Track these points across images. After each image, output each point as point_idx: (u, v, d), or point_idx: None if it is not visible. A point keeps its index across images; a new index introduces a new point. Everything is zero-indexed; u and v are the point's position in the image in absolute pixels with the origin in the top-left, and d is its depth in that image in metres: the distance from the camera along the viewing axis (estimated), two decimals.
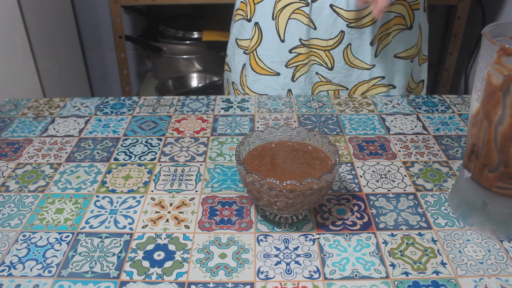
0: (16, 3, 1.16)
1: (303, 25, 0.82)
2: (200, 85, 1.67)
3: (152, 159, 0.68)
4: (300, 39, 0.83)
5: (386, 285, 0.48)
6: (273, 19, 0.83)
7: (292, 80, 0.88)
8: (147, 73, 1.82)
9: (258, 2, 0.85)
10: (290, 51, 0.85)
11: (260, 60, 0.87)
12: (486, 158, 0.50)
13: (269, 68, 0.87)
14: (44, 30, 1.35)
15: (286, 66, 0.87)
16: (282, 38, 0.84)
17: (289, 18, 0.82)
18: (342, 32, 0.82)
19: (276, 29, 0.84)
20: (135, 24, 1.82)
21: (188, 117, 0.80)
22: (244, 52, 0.90)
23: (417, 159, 0.68)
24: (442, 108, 0.82)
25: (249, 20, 0.87)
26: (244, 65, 0.91)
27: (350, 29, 0.82)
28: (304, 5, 0.81)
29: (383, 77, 0.87)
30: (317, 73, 0.87)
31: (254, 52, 0.87)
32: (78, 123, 0.78)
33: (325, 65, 0.86)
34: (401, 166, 0.66)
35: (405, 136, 0.73)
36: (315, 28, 0.82)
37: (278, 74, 0.87)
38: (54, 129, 0.77)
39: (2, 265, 0.51)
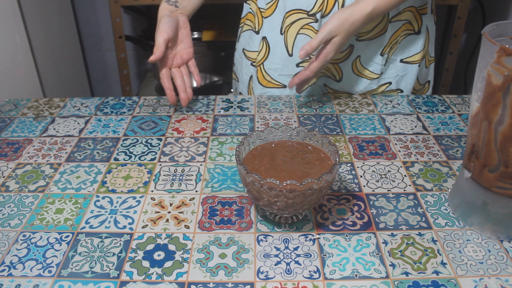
0: (16, 3, 1.16)
1: None
2: (200, 85, 1.67)
3: (152, 159, 0.68)
4: None
5: (386, 285, 0.48)
6: (281, 34, 0.83)
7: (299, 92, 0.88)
8: (147, 73, 1.82)
9: (266, 16, 0.84)
10: (297, 65, 0.85)
11: (267, 73, 0.88)
12: (486, 158, 0.50)
13: (276, 81, 0.87)
14: (44, 30, 1.35)
15: None
16: (291, 53, 0.84)
17: (297, 33, 0.82)
18: (351, 45, 0.82)
19: (284, 43, 0.84)
20: (135, 24, 1.82)
21: (188, 117, 0.80)
22: (251, 64, 0.90)
23: (417, 159, 0.68)
24: (442, 108, 0.82)
25: (257, 33, 0.87)
26: (251, 76, 0.91)
27: (359, 42, 0.82)
28: (313, 21, 0.80)
29: (390, 83, 0.87)
30: (325, 85, 0.88)
31: (261, 66, 0.88)
32: (78, 123, 0.78)
33: (333, 77, 0.86)
34: (401, 166, 0.66)
35: (405, 136, 0.73)
36: None
37: (285, 86, 0.87)
38: (54, 129, 0.77)
39: (2, 265, 0.51)
